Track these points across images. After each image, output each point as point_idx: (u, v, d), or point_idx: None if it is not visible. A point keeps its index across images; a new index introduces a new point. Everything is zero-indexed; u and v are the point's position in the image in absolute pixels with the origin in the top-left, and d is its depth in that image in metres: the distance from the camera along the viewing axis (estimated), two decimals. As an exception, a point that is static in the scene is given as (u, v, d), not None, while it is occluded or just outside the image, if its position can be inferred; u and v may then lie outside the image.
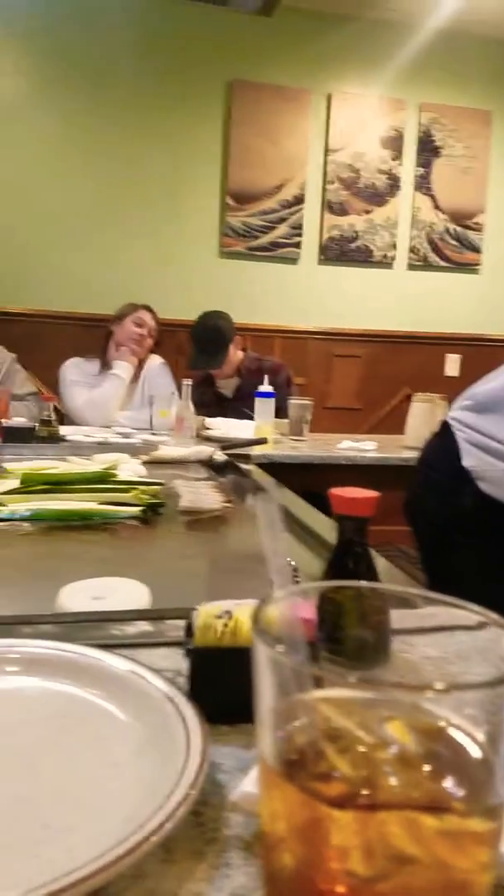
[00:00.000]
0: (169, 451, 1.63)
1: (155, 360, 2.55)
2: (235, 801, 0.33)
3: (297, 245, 3.61)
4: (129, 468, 1.37)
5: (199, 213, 3.52)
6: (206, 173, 3.51)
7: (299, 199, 3.58)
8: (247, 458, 1.59)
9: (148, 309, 2.54)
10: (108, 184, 3.41)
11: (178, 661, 0.51)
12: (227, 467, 1.55)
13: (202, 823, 0.34)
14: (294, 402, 2.25)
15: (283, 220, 3.58)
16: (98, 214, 3.41)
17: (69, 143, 3.36)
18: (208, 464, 1.59)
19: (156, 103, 3.41)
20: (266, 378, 2.11)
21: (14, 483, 1.16)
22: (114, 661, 0.44)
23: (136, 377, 2.49)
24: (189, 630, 0.47)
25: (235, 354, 2.51)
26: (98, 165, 3.39)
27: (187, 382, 2.09)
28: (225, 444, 1.73)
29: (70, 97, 3.32)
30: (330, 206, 3.62)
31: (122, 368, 2.44)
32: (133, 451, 1.61)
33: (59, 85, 3.31)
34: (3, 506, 1.07)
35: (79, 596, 0.67)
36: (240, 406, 2.34)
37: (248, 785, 0.34)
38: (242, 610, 0.45)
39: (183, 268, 3.52)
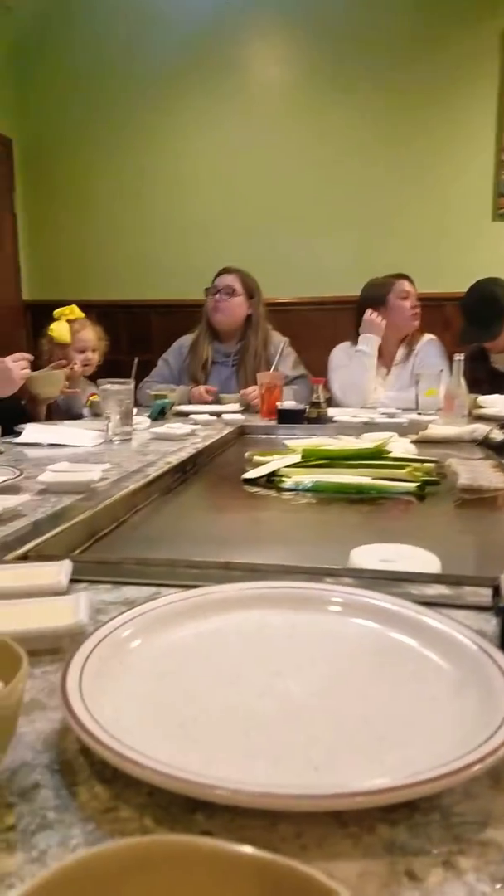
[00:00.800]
0: (440, 429, 1.61)
1: (425, 337, 2.52)
2: None
3: None
4: (400, 446, 1.39)
5: (470, 176, 3.37)
6: (478, 133, 3.34)
7: None
8: (532, 438, 1.49)
9: (406, 277, 2.50)
10: (374, 161, 3.43)
11: (479, 622, 0.52)
12: (508, 447, 1.48)
13: (526, 764, 0.35)
14: None
15: None
16: (362, 193, 3.46)
17: (336, 124, 3.45)
18: (484, 443, 1.53)
19: (426, 69, 3.33)
20: None
21: (294, 458, 1.26)
22: (425, 613, 0.47)
23: (406, 356, 2.49)
24: (497, 591, 0.48)
25: None
26: (365, 143, 3.43)
27: (459, 358, 2.02)
28: (504, 422, 1.65)
29: (339, 75, 3.41)
30: None
31: (367, 343, 2.45)
32: (401, 430, 1.63)
33: (328, 64, 3.41)
34: (288, 478, 1.17)
35: (369, 557, 0.72)
36: None
37: None
38: None
39: (450, 236, 3.39)
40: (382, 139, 3.41)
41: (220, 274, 2.52)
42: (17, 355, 1.66)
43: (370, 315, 2.47)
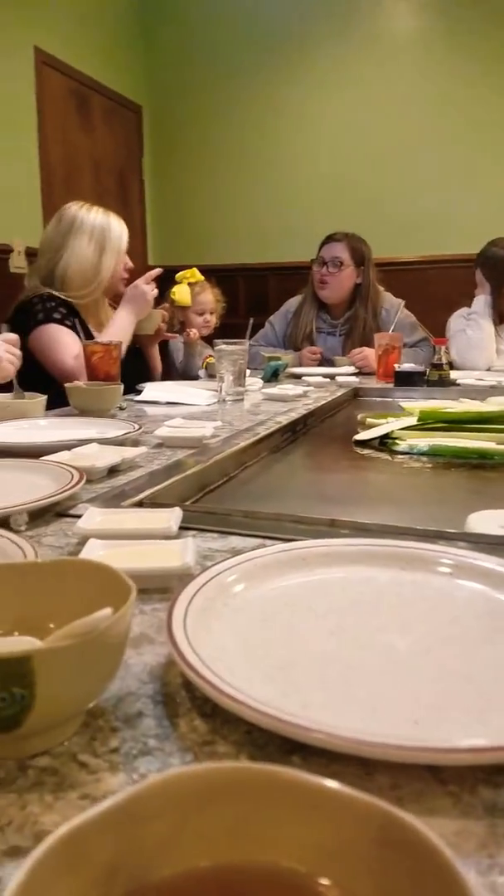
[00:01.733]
0: None
1: None
2: None
3: None
4: (529, 411, 1.30)
5: None
6: None
7: None
8: None
9: None
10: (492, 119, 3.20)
11: None
12: None
13: None
14: None
15: None
16: (495, 147, 3.23)
17: (469, 75, 3.24)
18: None
19: None
20: None
21: (410, 420, 1.22)
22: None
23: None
24: None
25: None
26: (490, 98, 3.20)
27: None
28: None
29: (476, 22, 3.20)
30: None
31: (477, 303, 2.33)
32: (531, 394, 1.53)
33: (465, 10, 3.22)
34: (402, 440, 1.13)
35: (487, 523, 0.68)
36: None
37: None
38: None
39: None
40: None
41: (326, 241, 2.39)
42: (147, 276, 1.76)
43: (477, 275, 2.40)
